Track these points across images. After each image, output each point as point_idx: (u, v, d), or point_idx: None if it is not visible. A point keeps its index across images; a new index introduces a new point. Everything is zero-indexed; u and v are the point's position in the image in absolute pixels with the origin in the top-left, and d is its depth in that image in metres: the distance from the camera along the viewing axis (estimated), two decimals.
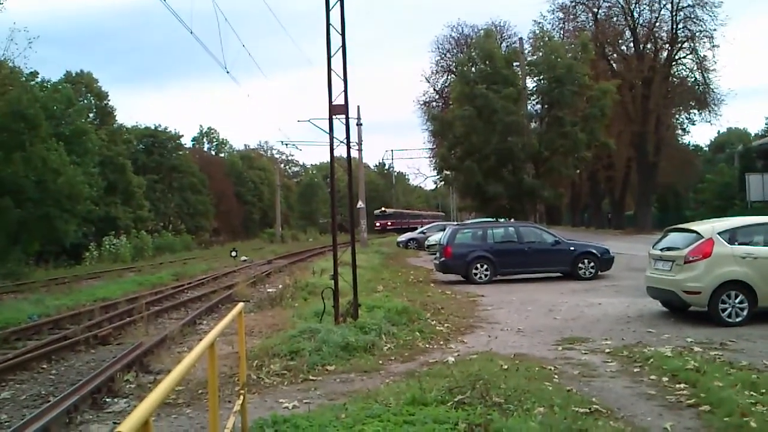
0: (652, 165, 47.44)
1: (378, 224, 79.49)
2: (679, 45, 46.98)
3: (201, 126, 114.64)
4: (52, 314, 15.50)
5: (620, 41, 49.41)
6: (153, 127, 69.06)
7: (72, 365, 10.35)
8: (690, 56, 47.58)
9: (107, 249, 40.46)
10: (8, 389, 8.88)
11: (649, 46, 48.16)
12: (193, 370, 6.05)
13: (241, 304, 5.90)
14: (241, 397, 5.53)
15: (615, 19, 48.92)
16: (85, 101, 53.10)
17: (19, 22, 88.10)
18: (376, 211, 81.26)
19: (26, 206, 31.97)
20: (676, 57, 47.89)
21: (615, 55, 49.76)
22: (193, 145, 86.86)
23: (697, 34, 45.84)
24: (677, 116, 51.85)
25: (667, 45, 47.39)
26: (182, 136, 73.79)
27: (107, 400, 7.94)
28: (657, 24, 47.03)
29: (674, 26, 46.12)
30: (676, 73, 49.13)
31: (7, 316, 14.77)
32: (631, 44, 48.69)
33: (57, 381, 9.30)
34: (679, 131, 54.10)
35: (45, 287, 22.50)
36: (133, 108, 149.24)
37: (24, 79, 35.71)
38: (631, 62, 47.30)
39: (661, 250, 12.09)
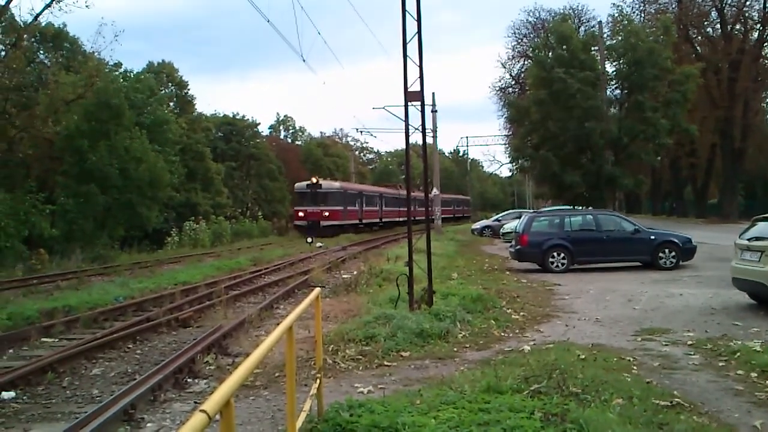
0: (739, 151, 45.50)
1: (300, 214, 46.00)
2: None
3: (278, 114, 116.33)
4: (135, 296, 16.08)
5: (706, 22, 47.31)
6: (231, 116, 70.58)
7: (155, 346, 10.74)
8: None
9: (187, 234, 41.63)
10: (98, 366, 9.32)
11: (738, 26, 45.88)
12: (270, 353, 6.17)
13: (317, 289, 5.96)
14: (318, 380, 5.60)
15: None
16: (166, 90, 54.65)
17: (106, 16, 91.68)
18: (298, 185, 48.05)
19: (111, 193, 33.23)
20: None
21: (699, 37, 47.70)
22: (270, 132, 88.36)
23: None
24: None
25: (759, 25, 44.99)
26: (259, 123, 75.09)
27: (188, 380, 8.19)
28: (747, 2, 44.70)
29: (767, 4, 43.78)
30: None
31: (95, 297, 15.41)
32: (718, 25, 46.49)
33: (142, 360, 9.69)
34: None
35: (129, 270, 23.35)
36: (212, 96, 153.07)
37: (108, 70, 37.03)
38: (717, 44, 45.28)
39: (749, 239, 11.58)
